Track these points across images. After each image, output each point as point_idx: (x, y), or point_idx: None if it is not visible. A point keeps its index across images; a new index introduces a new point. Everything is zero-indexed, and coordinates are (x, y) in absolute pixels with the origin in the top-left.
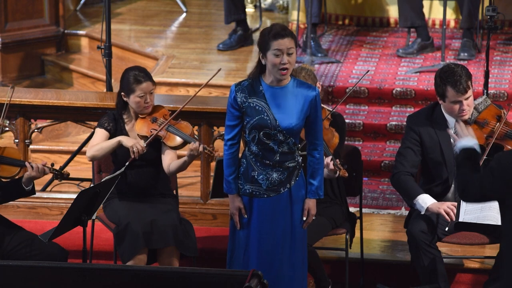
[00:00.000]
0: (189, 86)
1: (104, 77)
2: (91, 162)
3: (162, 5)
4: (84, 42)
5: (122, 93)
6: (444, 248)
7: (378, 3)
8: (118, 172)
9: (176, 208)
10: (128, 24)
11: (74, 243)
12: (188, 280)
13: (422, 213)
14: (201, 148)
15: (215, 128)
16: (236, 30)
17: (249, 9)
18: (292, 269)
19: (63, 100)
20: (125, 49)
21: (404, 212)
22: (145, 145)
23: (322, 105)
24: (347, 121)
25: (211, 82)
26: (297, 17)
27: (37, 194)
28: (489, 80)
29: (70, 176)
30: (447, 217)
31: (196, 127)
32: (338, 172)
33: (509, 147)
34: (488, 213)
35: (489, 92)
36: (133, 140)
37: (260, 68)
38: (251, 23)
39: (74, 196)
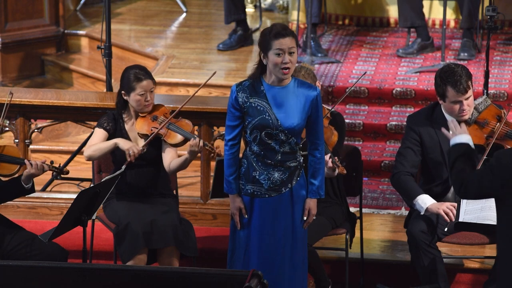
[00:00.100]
0: (189, 86)
1: (104, 77)
2: (91, 162)
3: (162, 5)
4: (84, 42)
5: (123, 92)
6: (444, 248)
7: (378, 3)
8: (118, 172)
9: (176, 208)
10: (128, 24)
11: (74, 243)
12: (188, 280)
13: (422, 213)
14: (201, 144)
15: (215, 128)
16: (236, 30)
17: (249, 9)
18: (292, 269)
19: (63, 100)
20: (125, 49)
21: (404, 212)
22: (141, 148)
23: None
24: (347, 121)
25: (211, 82)
26: (297, 17)
27: (37, 194)
28: (489, 80)
29: (70, 176)
30: (446, 217)
31: (196, 127)
32: (336, 169)
33: (509, 147)
34: (488, 213)
35: (489, 92)
36: (130, 143)
37: (261, 68)
38: (251, 23)
39: (74, 196)
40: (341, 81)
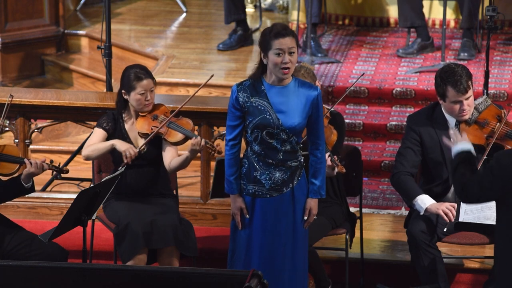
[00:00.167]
0: (189, 86)
1: (104, 77)
2: (91, 162)
3: (162, 5)
4: (84, 42)
5: (123, 91)
6: (444, 248)
7: (378, 3)
8: (118, 172)
9: (176, 208)
10: (128, 24)
11: (74, 243)
12: (188, 280)
13: (421, 213)
14: (203, 142)
15: (215, 128)
16: (236, 30)
17: (249, 9)
18: (293, 269)
19: (63, 100)
20: (125, 49)
21: (404, 212)
22: (138, 150)
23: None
24: (347, 121)
25: (211, 82)
26: (297, 17)
27: (37, 194)
28: (489, 80)
29: (70, 176)
30: (445, 217)
31: (196, 127)
32: (336, 168)
33: (509, 147)
34: (488, 213)
35: (489, 92)
36: (127, 144)
37: (262, 68)
38: (251, 23)
39: (74, 196)
40: (341, 81)
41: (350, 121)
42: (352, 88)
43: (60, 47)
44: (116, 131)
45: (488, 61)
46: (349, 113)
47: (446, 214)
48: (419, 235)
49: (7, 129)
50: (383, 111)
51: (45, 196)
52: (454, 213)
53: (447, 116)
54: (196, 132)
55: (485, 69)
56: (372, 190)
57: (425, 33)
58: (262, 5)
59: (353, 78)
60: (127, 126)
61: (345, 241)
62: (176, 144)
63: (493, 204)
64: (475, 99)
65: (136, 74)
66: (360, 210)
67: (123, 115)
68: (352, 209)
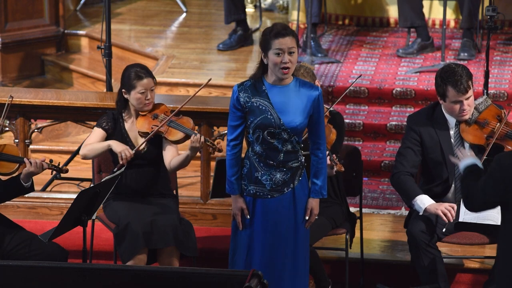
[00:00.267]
0: (189, 86)
1: (104, 77)
2: (91, 162)
3: (162, 5)
4: (84, 42)
5: (123, 90)
6: (444, 248)
7: (378, 3)
8: (118, 172)
9: (176, 208)
10: (128, 24)
11: (74, 243)
12: (188, 280)
13: (421, 213)
14: (202, 139)
15: (215, 128)
16: (236, 30)
17: (249, 9)
18: (294, 269)
19: (63, 100)
20: (125, 49)
21: (404, 212)
22: (133, 152)
23: None
24: (347, 121)
25: (211, 82)
26: (297, 17)
27: (37, 194)
28: (489, 80)
29: (70, 176)
30: (444, 218)
31: (196, 127)
32: (334, 167)
33: (509, 147)
34: (488, 213)
35: (489, 92)
36: (123, 146)
37: (263, 68)
38: (251, 23)
39: (74, 196)
40: (341, 81)
41: (350, 121)
42: (352, 88)
43: (60, 47)
44: (116, 130)
45: (488, 61)
46: (349, 113)
47: (445, 215)
48: (419, 235)
49: (7, 129)
50: (383, 111)
51: (45, 196)
52: (453, 213)
53: (447, 116)
54: (196, 131)
55: (485, 69)
56: (372, 190)
57: (425, 33)
58: (262, 5)
59: (353, 78)
60: (127, 125)
61: (345, 241)
62: (176, 142)
63: None
64: (475, 99)
65: (137, 73)
66: (360, 210)
67: (123, 115)
68: (352, 209)
